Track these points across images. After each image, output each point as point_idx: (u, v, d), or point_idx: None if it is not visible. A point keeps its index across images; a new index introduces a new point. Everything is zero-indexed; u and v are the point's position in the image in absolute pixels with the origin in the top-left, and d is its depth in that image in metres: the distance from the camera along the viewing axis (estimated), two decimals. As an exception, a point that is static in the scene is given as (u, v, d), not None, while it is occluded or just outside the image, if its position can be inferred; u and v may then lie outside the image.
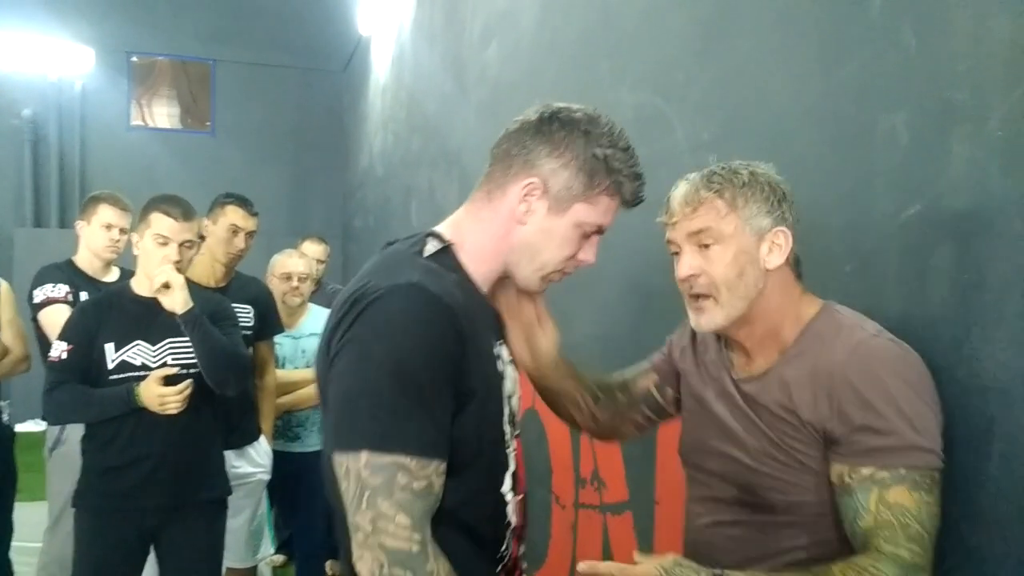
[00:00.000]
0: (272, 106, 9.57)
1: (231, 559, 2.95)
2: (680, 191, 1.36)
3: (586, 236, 1.30)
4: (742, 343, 1.40)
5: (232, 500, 2.82)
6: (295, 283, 3.66)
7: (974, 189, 1.29)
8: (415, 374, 1.11)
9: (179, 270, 2.58)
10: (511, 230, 1.28)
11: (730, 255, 1.31)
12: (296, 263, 3.73)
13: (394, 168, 6.59)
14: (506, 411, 1.33)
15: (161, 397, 2.46)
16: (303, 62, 9.61)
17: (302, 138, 9.65)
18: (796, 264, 1.39)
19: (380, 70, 7.29)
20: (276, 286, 3.69)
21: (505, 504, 1.35)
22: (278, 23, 9.17)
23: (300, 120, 9.67)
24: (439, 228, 1.33)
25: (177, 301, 2.52)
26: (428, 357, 1.12)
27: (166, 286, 2.51)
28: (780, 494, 1.32)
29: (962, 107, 1.31)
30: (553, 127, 1.25)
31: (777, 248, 1.33)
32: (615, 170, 1.25)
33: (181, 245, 2.58)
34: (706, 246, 1.32)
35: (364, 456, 1.09)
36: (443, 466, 1.14)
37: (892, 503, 1.19)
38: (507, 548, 1.37)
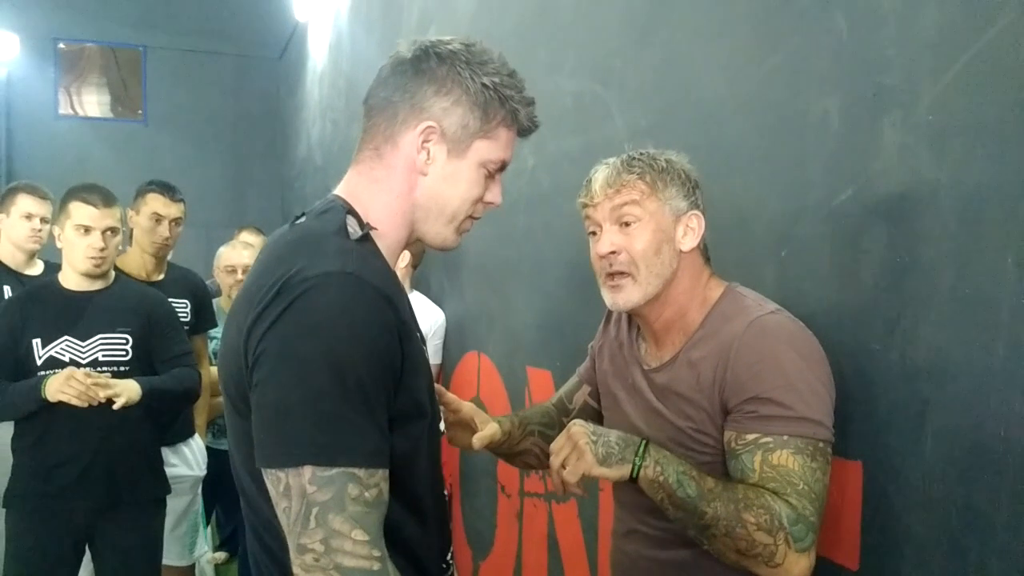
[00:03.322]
0: (206, 94, 9.36)
1: (167, 558, 2.88)
2: (602, 174, 1.42)
3: (490, 175, 1.21)
4: (652, 326, 1.45)
5: (167, 497, 2.75)
6: (240, 276, 3.58)
7: (905, 173, 1.30)
8: (356, 375, 0.98)
9: (104, 258, 2.52)
10: (414, 184, 1.17)
11: (649, 233, 1.37)
12: (240, 255, 3.66)
13: (333, 157, 6.49)
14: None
15: (68, 381, 2.34)
16: (238, 49, 9.41)
17: (238, 127, 9.46)
18: (706, 250, 1.46)
19: (318, 57, 7.17)
20: (222, 279, 3.61)
21: (446, 505, 1.29)
22: (211, 8, 8.93)
23: (236, 108, 9.48)
24: (342, 194, 1.20)
25: (132, 397, 2.43)
26: (369, 355, 1.00)
27: (111, 400, 2.40)
28: None
29: (893, 92, 1.32)
30: (432, 63, 1.15)
31: (691, 231, 1.41)
32: (507, 98, 1.16)
33: (104, 232, 2.51)
34: (627, 224, 1.38)
35: (308, 471, 0.96)
36: (387, 473, 1.02)
37: (776, 464, 1.23)
38: (451, 554, 1.28)
